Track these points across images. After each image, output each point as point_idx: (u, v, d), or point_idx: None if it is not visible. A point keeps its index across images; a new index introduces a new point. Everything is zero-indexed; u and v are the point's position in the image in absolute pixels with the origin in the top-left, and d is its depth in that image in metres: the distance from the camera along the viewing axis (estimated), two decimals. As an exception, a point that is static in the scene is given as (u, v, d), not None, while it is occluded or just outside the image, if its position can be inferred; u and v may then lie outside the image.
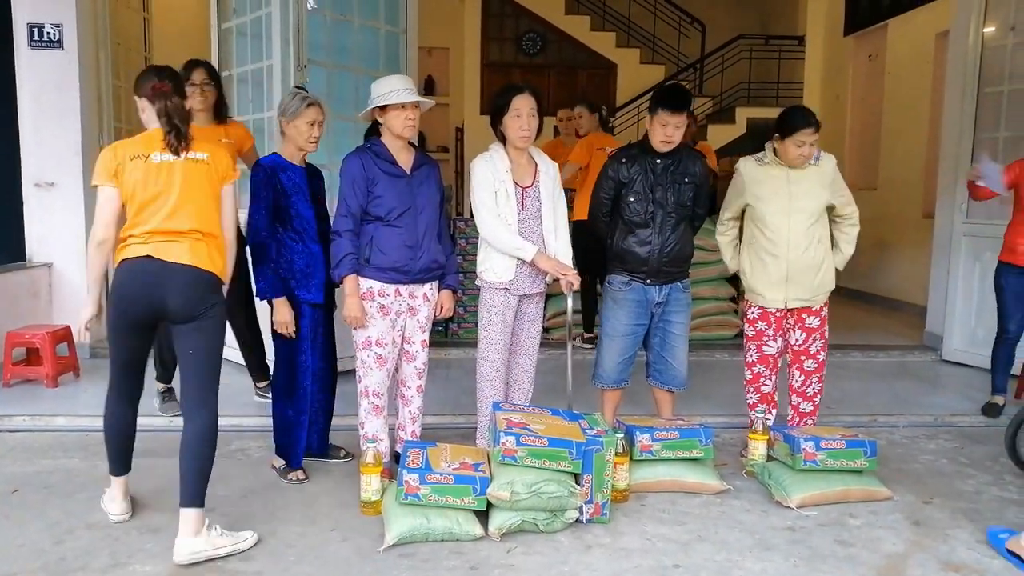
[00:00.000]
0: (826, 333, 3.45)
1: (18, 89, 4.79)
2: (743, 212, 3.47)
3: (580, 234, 4.38)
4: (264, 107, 4.47)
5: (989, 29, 5.08)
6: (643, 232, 3.29)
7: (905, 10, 7.56)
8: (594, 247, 3.97)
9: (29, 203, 4.89)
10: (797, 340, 3.44)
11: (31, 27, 4.75)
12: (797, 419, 3.48)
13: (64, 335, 4.51)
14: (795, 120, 3.25)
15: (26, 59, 4.78)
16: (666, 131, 3.22)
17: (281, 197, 3.07)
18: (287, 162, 3.13)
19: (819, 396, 3.49)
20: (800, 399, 3.48)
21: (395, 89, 2.97)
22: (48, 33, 4.79)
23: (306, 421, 3.17)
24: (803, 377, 3.46)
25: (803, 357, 3.44)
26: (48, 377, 4.31)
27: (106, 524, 2.77)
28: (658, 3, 10.63)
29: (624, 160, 3.35)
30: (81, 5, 4.82)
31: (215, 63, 4.75)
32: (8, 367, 4.32)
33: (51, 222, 4.88)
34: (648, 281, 3.32)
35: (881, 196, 7.18)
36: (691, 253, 3.43)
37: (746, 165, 3.42)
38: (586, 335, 5.44)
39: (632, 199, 3.30)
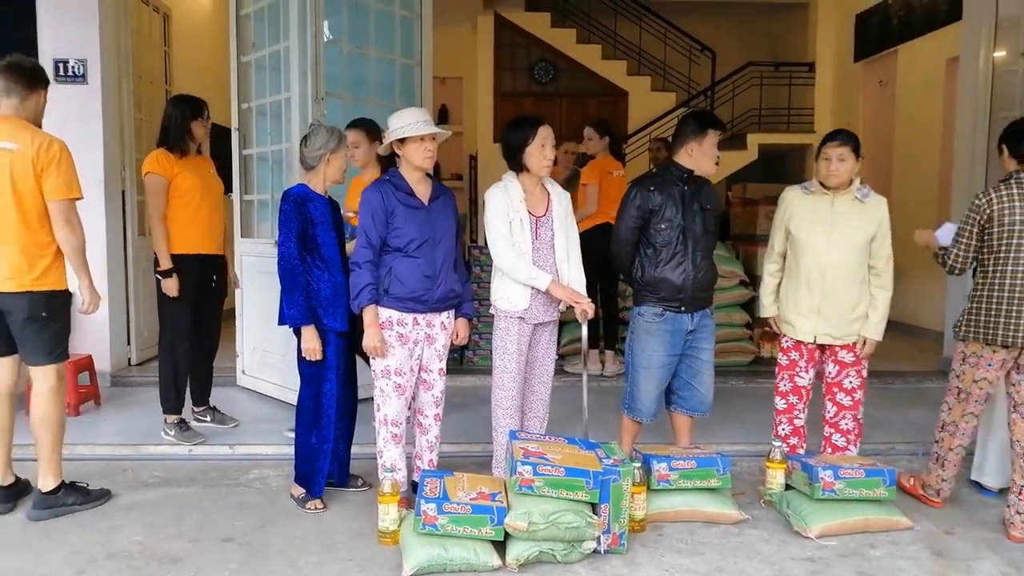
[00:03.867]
0: (864, 372, 3.39)
1: (44, 121, 4.89)
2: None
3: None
4: (282, 139, 4.55)
5: (1000, 54, 5.12)
6: (676, 259, 3.30)
7: (914, 36, 7.61)
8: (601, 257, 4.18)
9: (52, 234, 4.96)
10: (831, 373, 3.41)
11: (57, 62, 4.87)
12: (830, 451, 3.44)
13: (86, 364, 4.57)
14: (825, 137, 3.34)
15: (52, 92, 4.86)
16: (715, 151, 3.33)
17: (310, 225, 3.12)
18: (314, 192, 3.19)
19: (854, 435, 3.42)
20: (832, 430, 3.44)
21: (414, 121, 3.02)
22: (73, 68, 4.91)
23: (329, 449, 3.19)
24: (835, 409, 3.41)
25: (835, 389, 3.40)
26: (70, 406, 4.34)
27: (127, 554, 2.79)
28: (668, 32, 10.73)
29: (652, 188, 3.34)
30: (105, 41, 4.95)
31: (234, 95, 4.87)
32: (30, 396, 4.35)
33: (73, 252, 4.95)
34: (682, 309, 3.32)
35: (894, 221, 7.10)
36: (716, 278, 3.47)
37: (792, 193, 3.42)
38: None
39: (664, 226, 3.30)
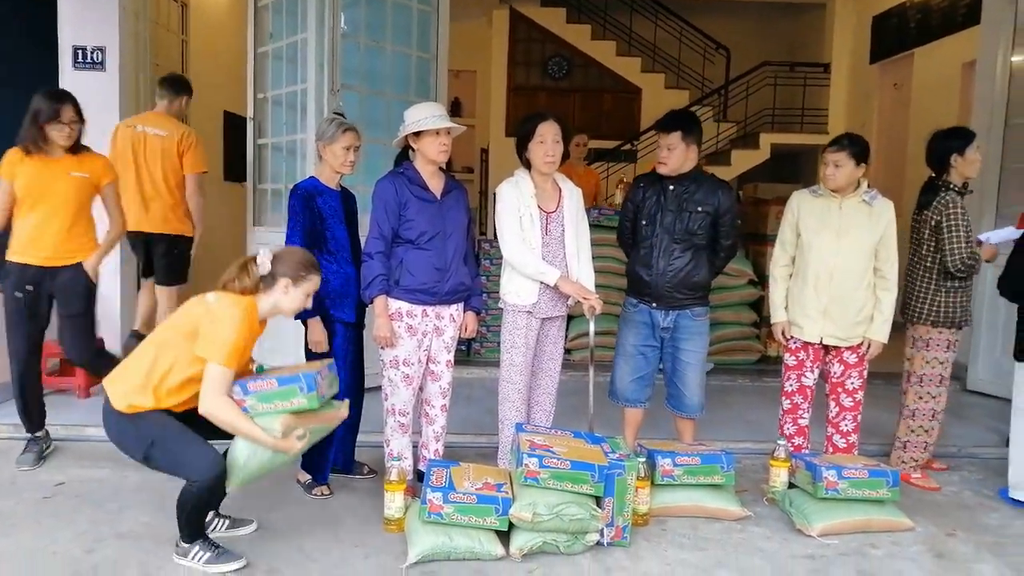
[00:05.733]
0: (865, 373, 3.43)
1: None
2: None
3: None
4: (297, 129, 4.58)
5: (1017, 59, 5.08)
6: (648, 256, 3.35)
7: (931, 39, 7.58)
8: None
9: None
10: (835, 373, 3.44)
11: (76, 49, 4.91)
12: (831, 450, 3.47)
13: (98, 347, 4.61)
14: (829, 143, 3.41)
15: (70, 80, 4.92)
16: (659, 152, 3.34)
17: (318, 220, 3.15)
18: (324, 186, 3.22)
19: (854, 435, 3.46)
20: (833, 431, 3.48)
21: (430, 115, 3.05)
22: (91, 55, 4.94)
23: (336, 437, 3.22)
24: (837, 409, 3.46)
25: (839, 390, 3.44)
26: (80, 388, 4.42)
27: (135, 535, 2.83)
28: (684, 29, 10.71)
29: (642, 184, 3.44)
30: (123, 28, 4.97)
31: (250, 85, 4.90)
32: (42, 377, 4.41)
33: (88, 237, 5.01)
34: (654, 305, 3.36)
35: (905, 224, 7.14)
36: (703, 282, 3.39)
37: (800, 197, 3.45)
38: None
39: (644, 222, 3.37)
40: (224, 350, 2.48)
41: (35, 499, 3.13)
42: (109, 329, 4.98)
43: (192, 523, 2.60)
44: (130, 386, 2.53)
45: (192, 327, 2.54)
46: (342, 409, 2.80)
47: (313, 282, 2.71)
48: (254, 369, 2.78)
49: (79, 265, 3.53)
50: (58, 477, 3.36)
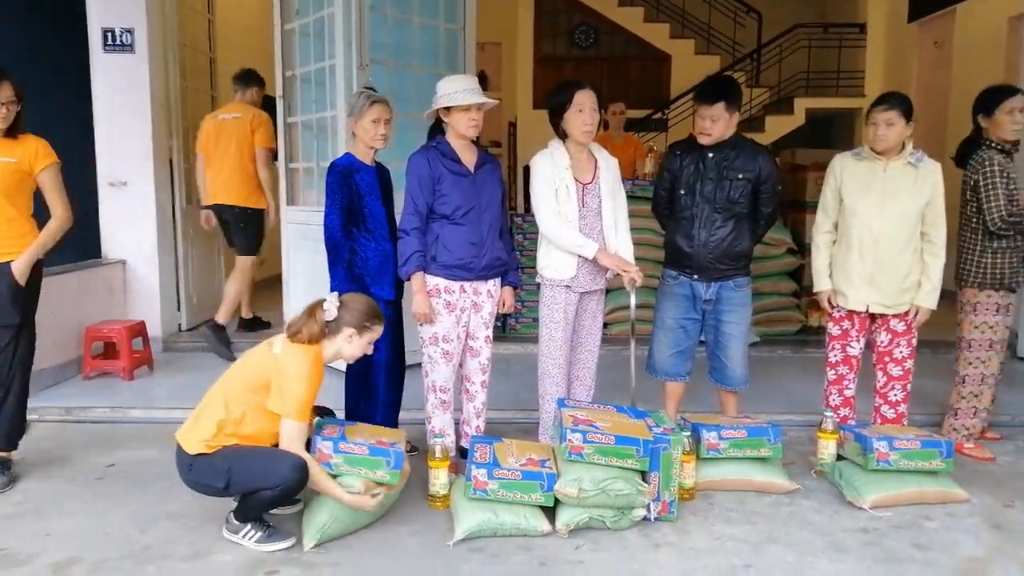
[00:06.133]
0: (913, 341, 3.33)
1: (96, 90, 4.97)
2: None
3: None
4: (327, 106, 4.54)
5: (1069, 12, 4.88)
6: (688, 227, 3.27)
7: (974, -6, 7.29)
8: None
9: (103, 202, 5.06)
10: (882, 342, 3.35)
11: (104, 31, 4.92)
12: (879, 421, 3.39)
13: (139, 330, 4.68)
14: (874, 101, 3.26)
15: (101, 62, 4.95)
16: (702, 123, 3.20)
17: (355, 197, 3.12)
18: (360, 162, 3.18)
19: (903, 405, 3.37)
20: (882, 401, 3.39)
21: (460, 89, 2.99)
22: (120, 37, 4.95)
23: (378, 415, 3.22)
24: (885, 379, 3.37)
25: (887, 359, 3.35)
26: (125, 370, 4.48)
27: (186, 514, 2.86)
28: (713, -7, 10.46)
29: (679, 152, 3.35)
30: (151, 10, 4.97)
31: (278, 63, 4.87)
32: (88, 360, 4.49)
33: (123, 220, 5.05)
34: (695, 277, 3.29)
35: (948, 189, 6.94)
36: (745, 251, 3.33)
37: (842, 160, 3.34)
38: None
39: (682, 191, 3.28)
40: (297, 405, 2.56)
41: (88, 480, 3.18)
42: (149, 309, 5.05)
43: (256, 511, 2.65)
44: (202, 437, 2.58)
45: (259, 380, 2.60)
46: (406, 464, 2.87)
47: (376, 331, 2.74)
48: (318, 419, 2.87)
49: (6, 266, 3.06)
50: (108, 459, 3.41)
